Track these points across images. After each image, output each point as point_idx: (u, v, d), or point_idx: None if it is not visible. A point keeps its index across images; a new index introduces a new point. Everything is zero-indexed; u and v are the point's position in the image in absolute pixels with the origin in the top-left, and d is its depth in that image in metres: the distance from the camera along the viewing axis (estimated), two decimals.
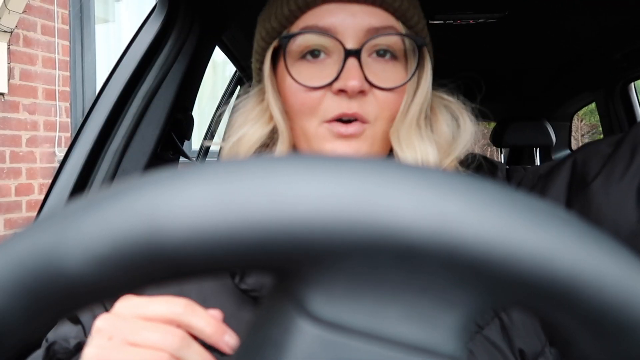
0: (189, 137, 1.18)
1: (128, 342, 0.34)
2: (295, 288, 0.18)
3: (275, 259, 0.17)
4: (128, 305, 0.36)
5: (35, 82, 3.01)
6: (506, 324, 0.51)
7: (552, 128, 2.25)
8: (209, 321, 0.36)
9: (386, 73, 0.52)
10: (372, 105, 0.51)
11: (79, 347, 0.48)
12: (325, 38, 0.51)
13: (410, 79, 0.53)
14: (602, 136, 2.36)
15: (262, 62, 0.56)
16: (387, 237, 0.16)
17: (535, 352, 0.51)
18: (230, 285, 0.50)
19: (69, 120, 3.21)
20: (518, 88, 2.18)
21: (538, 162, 2.38)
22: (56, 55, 3.12)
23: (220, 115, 0.71)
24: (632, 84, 1.91)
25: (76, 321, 0.51)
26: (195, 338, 0.36)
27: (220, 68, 3.33)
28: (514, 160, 2.65)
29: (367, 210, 0.16)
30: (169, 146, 1.10)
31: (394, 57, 0.53)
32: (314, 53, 0.52)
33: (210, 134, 1.86)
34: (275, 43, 0.54)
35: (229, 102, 1.88)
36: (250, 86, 0.61)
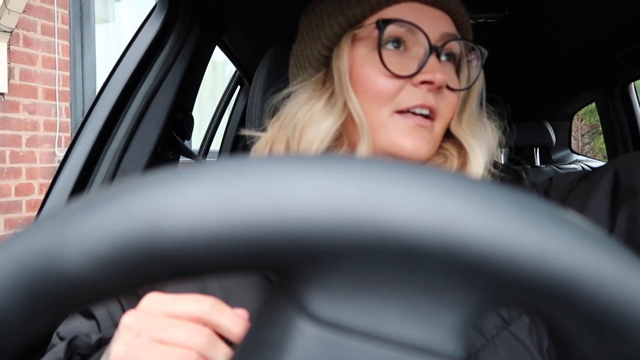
0: (189, 137, 1.18)
1: (156, 340, 0.34)
2: (295, 288, 0.18)
3: (275, 259, 0.17)
4: (155, 302, 0.36)
5: (35, 82, 3.01)
6: (536, 321, 0.51)
7: (552, 128, 2.25)
8: (235, 320, 0.36)
9: (450, 75, 0.55)
10: (444, 103, 0.54)
11: (101, 342, 0.47)
12: (414, 31, 0.53)
13: (474, 83, 0.57)
14: (602, 136, 2.36)
15: (330, 50, 0.56)
16: (387, 237, 0.16)
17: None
18: (253, 280, 0.49)
19: (69, 120, 3.21)
20: (518, 88, 2.18)
21: (538, 162, 2.38)
22: (56, 55, 3.12)
23: (222, 115, 0.70)
24: (632, 84, 1.91)
25: (89, 316, 0.51)
26: (221, 337, 0.36)
27: (220, 68, 3.33)
28: (513, 160, 2.65)
29: (367, 210, 0.16)
30: (169, 146, 1.10)
31: (454, 61, 0.57)
32: (395, 44, 0.54)
33: (210, 134, 1.86)
34: (355, 30, 0.55)
35: (229, 102, 1.88)
36: (250, 86, 0.60)
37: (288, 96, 0.59)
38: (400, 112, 0.53)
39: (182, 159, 1.18)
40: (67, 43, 3.21)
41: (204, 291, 0.48)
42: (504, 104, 0.64)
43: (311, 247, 0.16)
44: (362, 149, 0.53)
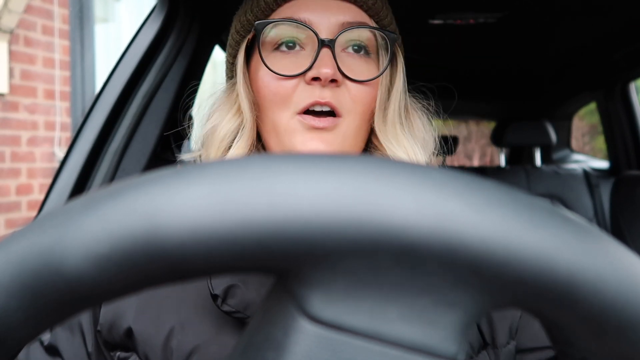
0: (188, 137, 1.18)
1: None
2: (295, 288, 0.18)
3: (274, 259, 0.17)
4: None
5: (35, 82, 3.01)
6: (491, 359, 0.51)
7: (552, 128, 2.25)
8: None
9: (360, 67, 0.53)
10: (346, 98, 0.51)
11: None
12: (301, 29, 0.52)
13: (382, 73, 0.54)
14: (602, 136, 2.36)
15: (234, 56, 0.57)
16: (387, 237, 0.16)
17: None
18: (211, 308, 0.49)
19: (69, 120, 3.21)
20: (518, 88, 2.18)
21: (538, 162, 2.38)
22: (56, 55, 3.12)
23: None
24: (632, 84, 1.91)
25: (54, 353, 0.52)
26: None
27: (220, 68, 3.32)
28: (514, 160, 2.65)
29: (367, 210, 0.16)
30: (169, 146, 1.10)
31: (367, 53, 0.54)
32: (288, 44, 0.53)
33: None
34: (249, 35, 0.55)
35: None
36: None
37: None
38: (301, 113, 0.51)
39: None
40: (67, 43, 3.21)
41: (158, 319, 0.49)
42: (434, 95, 0.60)
43: (311, 246, 0.16)
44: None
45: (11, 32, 2.80)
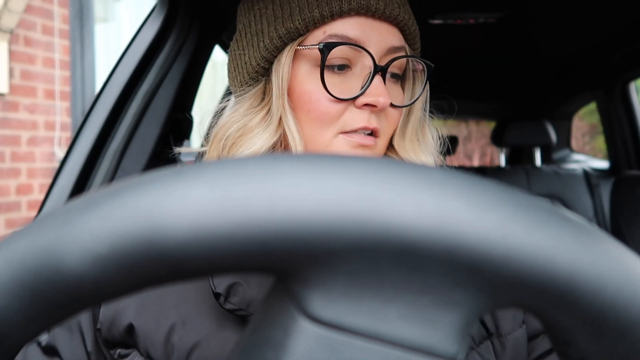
0: (188, 137, 1.18)
1: None
2: (295, 288, 0.18)
3: (275, 259, 0.17)
4: None
5: (35, 82, 3.01)
6: (497, 348, 0.51)
7: (552, 128, 2.25)
8: None
9: (394, 91, 0.54)
10: (384, 121, 0.53)
11: None
12: (356, 51, 0.51)
13: (418, 98, 0.56)
14: (602, 136, 2.36)
15: (270, 62, 0.53)
16: (387, 237, 0.16)
17: None
18: (212, 305, 0.49)
19: (69, 120, 3.21)
20: (518, 88, 2.18)
21: (538, 162, 2.38)
22: (56, 55, 3.12)
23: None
24: (632, 83, 1.91)
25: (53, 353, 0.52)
26: None
27: (220, 68, 3.32)
28: (514, 160, 2.65)
29: (367, 210, 0.16)
30: (169, 146, 1.10)
31: (398, 77, 0.55)
32: (340, 66, 0.52)
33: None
34: (294, 44, 0.52)
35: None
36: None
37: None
38: (346, 132, 0.51)
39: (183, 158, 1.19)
40: (67, 43, 3.21)
41: (159, 315, 0.49)
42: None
43: (311, 247, 0.16)
44: None
45: (11, 32, 2.80)
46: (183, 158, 1.17)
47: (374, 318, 0.18)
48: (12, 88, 2.86)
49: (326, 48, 0.50)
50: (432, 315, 0.18)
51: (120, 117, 0.98)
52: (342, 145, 0.51)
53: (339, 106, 0.51)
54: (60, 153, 3.08)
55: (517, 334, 0.52)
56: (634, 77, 1.83)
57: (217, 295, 0.47)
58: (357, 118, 0.51)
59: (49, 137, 3.10)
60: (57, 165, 2.57)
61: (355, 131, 0.51)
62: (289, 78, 0.52)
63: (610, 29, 1.34)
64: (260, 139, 0.52)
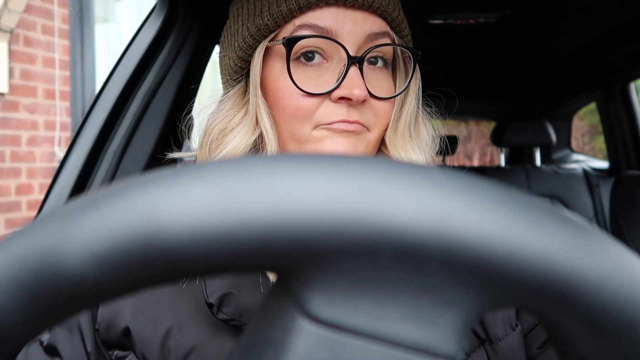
0: (188, 137, 1.18)
1: None
2: (295, 288, 0.18)
3: (275, 259, 0.17)
4: None
5: (35, 81, 3.01)
6: (489, 355, 0.50)
7: (552, 128, 2.25)
8: None
9: (380, 82, 0.51)
10: (370, 114, 0.50)
11: None
12: (328, 42, 0.49)
13: (405, 89, 0.53)
14: (602, 136, 2.36)
15: (246, 61, 0.53)
16: (387, 237, 0.16)
17: None
18: (207, 311, 0.48)
19: (69, 120, 3.21)
20: (518, 88, 2.18)
21: (538, 162, 2.38)
22: (56, 55, 3.12)
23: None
24: (632, 84, 1.91)
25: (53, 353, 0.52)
26: None
27: None
28: (514, 160, 2.65)
29: (367, 210, 0.16)
30: (169, 146, 1.10)
31: (385, 64, 0.53)
32: (307, 55, 0.50)
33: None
34: (266, 40, 0.51)
35: None
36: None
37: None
38: (326, 125, 0.50)
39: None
40: (67, 43, 3.21)
41: (155, 318, 0.49)
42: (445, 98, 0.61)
43: (311, 246, 0.16)
44: None
45: (11, 32, 2.80)
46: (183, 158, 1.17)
47: (374, 318, 0.18)
48: (12, 88, 2.86)
49: (289, 42, 0.49)
50: (432, 315, 0.18)
51: (120, 117, 0.98)
52: (323, 134, 0.50)
53: (313, 101, 0.49)
54: (60, 153, 3.08)
55: (511, 338, 0.50)
56: (634, 77, 1.83)
57: (210, 306, 0.47)
58: (335, 112, 0.49)
59: (49, 137, 3.10)
60: (57, 165, 2.57)
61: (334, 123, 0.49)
62: (261, 76, 0.52)
63: (610, 29, 1.34)
64: (237, 139, 0.51)
